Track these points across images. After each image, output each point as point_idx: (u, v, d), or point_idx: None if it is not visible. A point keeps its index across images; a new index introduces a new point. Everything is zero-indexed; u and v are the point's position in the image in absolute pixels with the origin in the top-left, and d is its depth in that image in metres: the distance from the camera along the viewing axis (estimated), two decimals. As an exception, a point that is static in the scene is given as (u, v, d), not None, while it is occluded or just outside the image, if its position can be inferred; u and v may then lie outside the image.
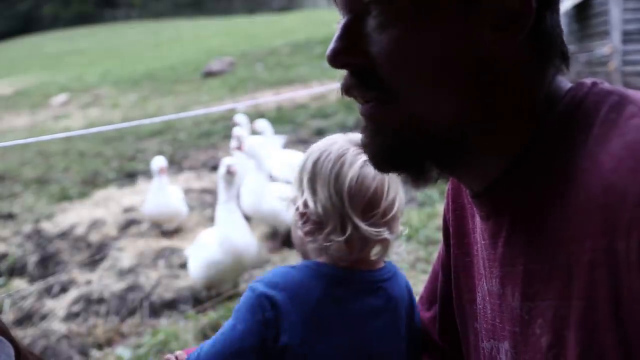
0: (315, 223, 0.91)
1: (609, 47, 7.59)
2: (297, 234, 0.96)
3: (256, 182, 3.76)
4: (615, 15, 7.55)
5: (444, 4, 0.58)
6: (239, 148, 3.43)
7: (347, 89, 0.65)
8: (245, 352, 0.87)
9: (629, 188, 0.50)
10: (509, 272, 0.65)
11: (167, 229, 4.37)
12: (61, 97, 13.20)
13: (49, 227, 4.74)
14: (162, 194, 4.15)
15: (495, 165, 0.64)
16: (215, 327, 2.75)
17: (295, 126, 7.65)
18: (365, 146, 0.67)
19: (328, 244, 0.90)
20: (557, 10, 0.62)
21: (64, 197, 5.67)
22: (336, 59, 0.63)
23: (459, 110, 0.61)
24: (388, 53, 0.60)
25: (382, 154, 0.65)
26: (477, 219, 0.75)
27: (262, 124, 5.43)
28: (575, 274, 0.54)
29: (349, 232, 0.89)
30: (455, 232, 0.85)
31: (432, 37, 0.58)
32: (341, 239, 0.89)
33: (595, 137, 0.56)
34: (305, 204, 0.91)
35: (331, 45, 0.63)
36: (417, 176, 0.66)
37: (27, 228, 4.73)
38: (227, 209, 3.06)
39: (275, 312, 0.87)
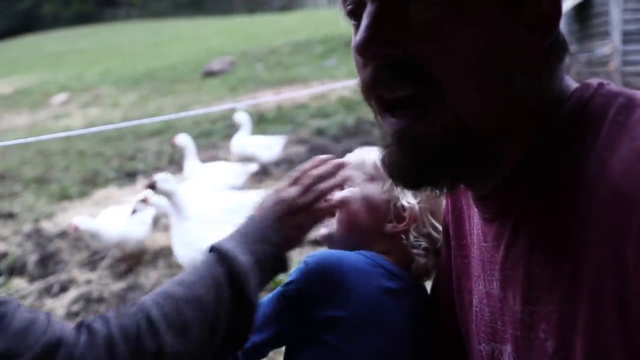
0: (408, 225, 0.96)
1: (610, 47, 7.59)
2: (367, 223, 0.98)
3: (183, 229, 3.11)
4: (616, 15, 7.55)
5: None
6: (151, 186, 2.90)
7: (375, 84, 0.60)
8: (286, 299, 0.93)
9: (638, 194, 0.49)
10: (510, 276, 0.64)
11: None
12: (61, 97, 13.19)
13: (49, 227, 4.74)
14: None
15: (504, 166, 0.64)
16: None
17: (296, 126, 7.64)
18: (395, 165, 0.62)
19: (417, 246, 0.96)
20: None
21: (64, 196, 5.66)
22: (368, 49, 0.58)
23: (494, 110, 0.59)
24: (438, 43, 0.56)
25: (417, 172, 0.62)
26: (475, 221, 0.74)
27: (183, 138, 4.69)
28: (582, 279, 0.53)
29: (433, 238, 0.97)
30: (454, 234, 0.85)
31: (481, 30, 0.56)
32: (425, 244, 0.96)
33: (604, 141, 0.55)
34: (403, 208, 0.96)
35: (361, 34, 0.57)
36: (443, 189, 0.65)
37: (27, 227, 4.73)
38: (177, 228, 2.92)
39: (325, 287, 0.91)
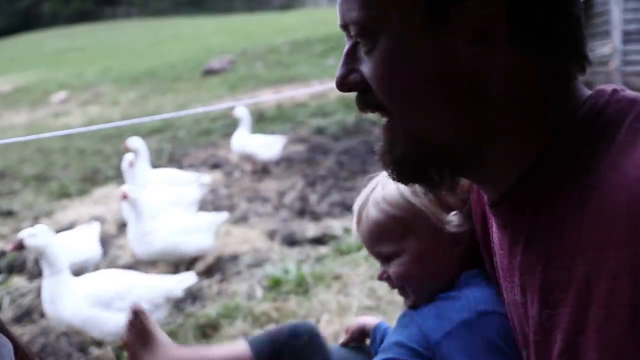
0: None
1: (610, 46, 7.59)
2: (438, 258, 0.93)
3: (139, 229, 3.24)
4: (616, 15, 7.55)
5: (412, 29, 0.61)
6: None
7: (359, 108, 0.70)
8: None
9: None
10: (528, 280, 0.64)
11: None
12: (61, 95, 13.18)
13: (49, 225, 4.74)
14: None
15: (512, 173, 0.64)
16: (215, 326, 2.75)
17: (295, 124, 7.64)
18: (381, 157, 0.70)
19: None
20: (565, 9, 0.60)
21: (64, 194, 5.66)
22: (341, 85, 0.69)
23: (454, 126, 0.63)
24: (374, 76, 0.65)
25: (396, 165, 0.69)
26: (494, 228, 0.74)
27: (135, 141, 4.41)
28: (595, 282, 0.53)
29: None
30: (483, 243, 0.85)
31: (411, 60, 0.62)
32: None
33: (619, 146, 0.55)
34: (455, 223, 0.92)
35: (337, 72, 0.69)
36: (431, 185, 0.69)
37: (27, 225, 4.72)
38: (47, 282, 2.56)
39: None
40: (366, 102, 0.68)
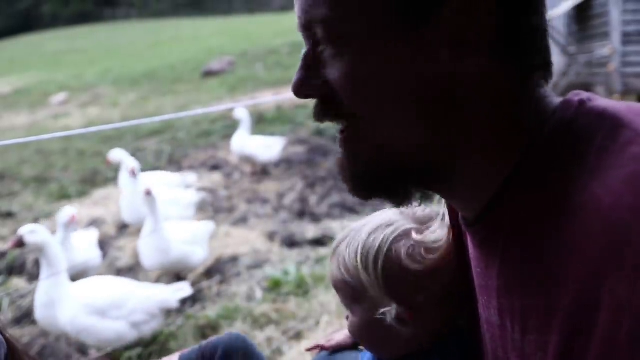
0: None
1: (609, 48, 7.60)
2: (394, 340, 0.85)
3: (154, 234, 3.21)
4: (615, 16, 7.56)
5: (389, 30, 0.56)
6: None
7: (318, 117, 0.66)
8: None
9: (631, 230, 0.47)
10: (506, 305, 0.62)
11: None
12: (60, 96, 13.18)
13: (48, 226, 4.74)
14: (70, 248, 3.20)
15: (484, 192, 0.61)
16: (214, 327, 2.75)
17: (295, 126, 7.65)
18: (340, 171, 0.67)
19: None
20: (536, 13, 0.58)
21: (63, 196, 5.66)
22: (300, 91, 0.63)
23: (425, 135, 0.60)
24: (342, 81, 0.60)
25: (355, 182, 0.65)
26: (469, 243, 0.71)
27: (118, 152, 4.46)
28: (575, 311, 0.52)
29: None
30: (457, 252, 0.82)
31: (383, 63, 0.58)
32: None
33: (591, 169, 0.52)
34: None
35: (294, 77, 0.63)
36: (395, 200, 0.66)
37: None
38: (44, 284, 2.51)
39: None
40: (326, 111, 0.63)
